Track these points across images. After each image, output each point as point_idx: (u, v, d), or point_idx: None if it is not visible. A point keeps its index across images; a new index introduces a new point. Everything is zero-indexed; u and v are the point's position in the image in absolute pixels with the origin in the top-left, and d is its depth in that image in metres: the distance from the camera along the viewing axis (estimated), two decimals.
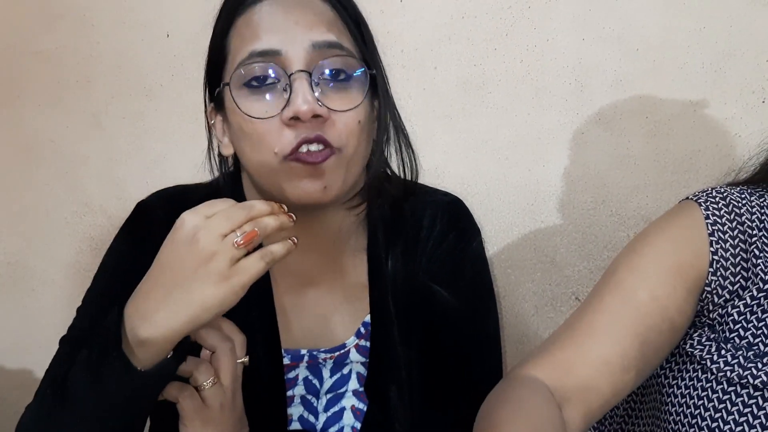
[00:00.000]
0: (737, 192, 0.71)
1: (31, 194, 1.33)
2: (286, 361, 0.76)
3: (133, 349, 0.60)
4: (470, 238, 0.81)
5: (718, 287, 0.68)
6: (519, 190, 1.16)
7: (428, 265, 0.79)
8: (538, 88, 1.11)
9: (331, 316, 0.79)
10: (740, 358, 0.65)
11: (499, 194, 1.16)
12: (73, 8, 1.24)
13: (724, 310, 0.68)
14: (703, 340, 0.69)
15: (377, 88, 0.73)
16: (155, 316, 0.59)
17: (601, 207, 1.14)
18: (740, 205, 0.70)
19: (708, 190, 0.72)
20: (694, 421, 0.67)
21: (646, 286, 0.67)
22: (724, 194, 0.71)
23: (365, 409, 0.76)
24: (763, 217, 0.70)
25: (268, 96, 0.66)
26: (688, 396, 0.68)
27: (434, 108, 1.15)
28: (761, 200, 0.71)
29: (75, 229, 1.33)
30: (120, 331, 0.61)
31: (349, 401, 0.76)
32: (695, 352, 0.69)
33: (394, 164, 0.79)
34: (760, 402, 0.63)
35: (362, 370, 0.78)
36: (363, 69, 0.69)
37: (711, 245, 0.68)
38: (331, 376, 0.77)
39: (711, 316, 0.69)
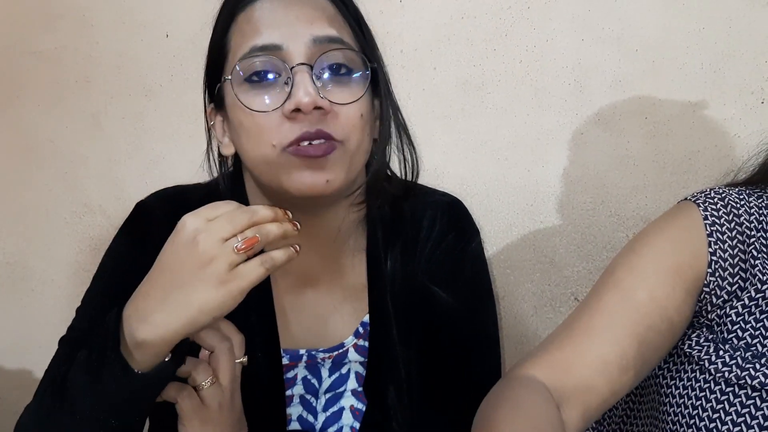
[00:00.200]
0: (736, 193, 0.71)
1: (31, 194, 1.33)
2: (284, 360, 0.76)
3: (131, 350, 0.60)
4: (469, 239, 0.81)
5: (716, 288, 0.68)
6: (518, 190, 1.16)
7: (427, 266, 0.79)
8: (538, 89, 1.11)
9: (330, 316, 0.79)
10: (738, 358, 0.65)
11: (499, 195, 1.16)
12: (73, 8, 1.24)
13: (722, 311, 0.68)
14: (702, 340, 0.69)
15: (378, 84, 0.73)
16: (153, 318, 0.59)
17: (601, 207, 1.14)
18: (739, 206, 0.70)
19: (706, 191, 0.72)
20: (692, 421, 0.67)
21: (644, 286, 0.68)
22: (723, 195, 0.71)
23: (364, 409, 0.76)
24: (761, 218, 0.70)
25: (269, 90, 0.66)
26: (686, 396, 0.68)
27: (434, 108, 1.15)
28: (759, 201, 0.71)
29: (74, 229, 1.33)
30: (118, 333, 0.61)
31: (347, 401, 0.76)
32: (693, 352, 0.69)
33: (395, 164, 0.79)
34: (758, 402, 0.63)
35: (361, 369, 0.78)
36: (364, 63, 0.69)
37: (709, 246, 0.68)
38: (329, 376, 0.77)
39: (709, 316, 0.69)
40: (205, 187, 0.81)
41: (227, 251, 0.58)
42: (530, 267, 1.18)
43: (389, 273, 0.78)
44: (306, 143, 0.65)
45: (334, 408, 0.76)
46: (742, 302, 0.67)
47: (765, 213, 0.70)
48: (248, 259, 0.60)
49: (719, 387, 0.66)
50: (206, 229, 0.59)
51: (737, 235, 0.69)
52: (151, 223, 0.75)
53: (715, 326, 0.69)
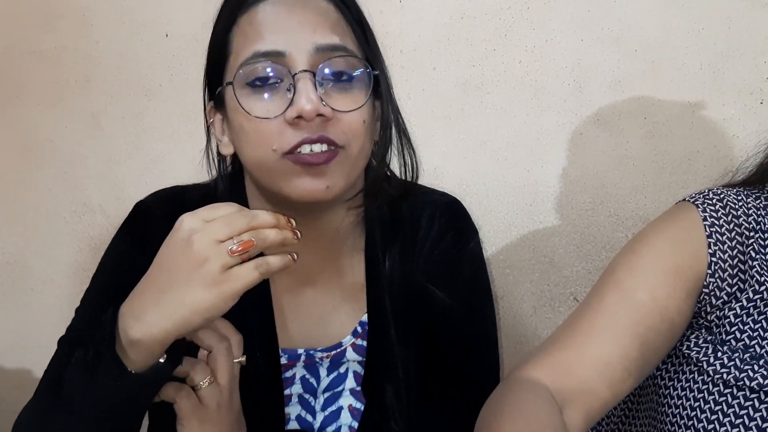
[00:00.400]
0: (734, 194, 0.72)
1: (31, 194, 1.34)
2: (283, 360, 0.76)
3: (125, 349, 0.60)
4: (468, 238, 0.81)
5: (716, 289, 0.68)
6: (518, 190, 1.16)
7: (426, 265, 0.79)
8: (537, 89, 1.12)
9: (329, 316, 0.79)
10: (737, 360, 0.65)
11: (498, 195, 1.16)
12: (73, 8, 1.24)
13: (721, 312, 0.68)
14: (700, 342, 0.69)
15: (380, 88, 0.73)
16: (146, 317, 0.59)
17: (600, 208, 1.14)
18: (737, 206, 0.70)
19: (705, 192, 0.72)
20: (690, 423, 0.67)
21: (645, 287, 0.67)
22: (721, 196, 0.71)
23: (362, 408, 0.76)
24: (759, 219, 0.70)
25: (271, 96, 0.66)
26: (684, 398, 0.68)
27: (433, 108, 1.15)
28: (757, 202, 0.71)
29: (74, 228, 1.33)
30: (114, 331, 0.61)
31: (346, 400, 0.77)
32: (692, 353, 0.69)
33: (394, 164, 0.79)
34: (756, 404, 0.64)
35: (359, 369, 0.78)
36: (366, 70, 0.69)
37: (709, 247, 0.68)
38: (328, 375, 0.78)
39: (708, 318, 0.69)
40: (204, 187, 0.81)
41: (221, 253, 0.58)
42: (529, 267, 1.18)
43: (387, 273, 0.78)
44: (307, 149, 0.65)
45: (333, 407, 0.77)
46: (741, 303, 0.67)
47: (762, 213, 0.70)
48: (244, 262, 0.60)
49: (717, 388, 0.66)
50: (202, 230, 0.59)
51: (736, 236, 0.69)
52: (150, 223, 0.75)
53: (714, 327, 0.69)
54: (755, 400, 0.64)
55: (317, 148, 0.66)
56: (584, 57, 1.09)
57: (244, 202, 0.77)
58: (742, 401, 0.64)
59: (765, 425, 0.63)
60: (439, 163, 1.16)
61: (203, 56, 0.75)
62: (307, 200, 0.67)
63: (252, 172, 0.71)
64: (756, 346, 0.66)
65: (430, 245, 0.79)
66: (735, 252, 0.68)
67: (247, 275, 0.59)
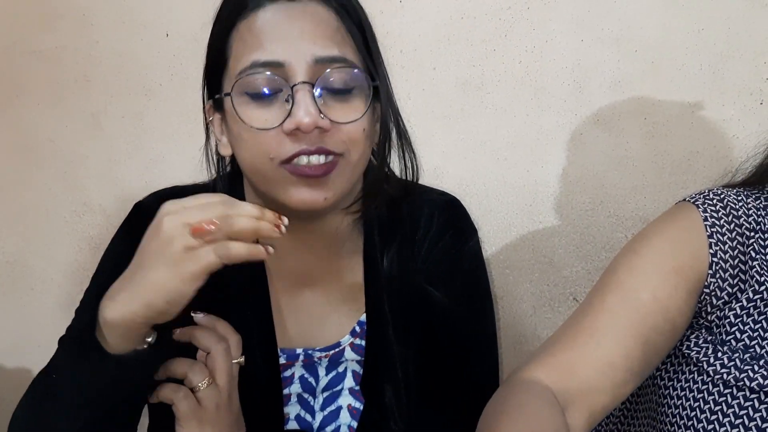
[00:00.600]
0: (734, 194, 0.72)
1: (31, 194, 1.33)
2: (281, 360, 0.76)
3: (104, 332, 0.61)
4: (467, 238, 0.81)
5: (716, 289, 0.68)
6: (517, 190, 1.16)
7: (425, 265, 0.79)
8: (537, 89, 1.12)
9: (327, 316, 0.79)
10: (737, 360, 0.65)
11: (498, 195, 1.17)
12: (73, 8, 1.24)
13: (721, 312, 0.68)
14: (700, 342, 0.69)
15: (380, 94, 0.73)
16: (118, 297, 0.60)
17: (600, 208, 1.14)
18: (737, 207, 0.70)
19: (705, 192, 0.72)
20: (690, 423, 0.67)
21: (647, 287, 0.67)
22: (721, 196, 0.71)
23: (361, 408, 0.76)
24: (759, 219, 0.70)
25: (269, 106, 0.66)
26: (684, 398, 0.68)
27: (433, 109, 1.15)
28: (757, 202, 0.71)
29: (74, 228, 1.33)
30: (96, 315, 0.61)
31: (345, 400, 0.77)
32: (692, 354, 0.69)
33: (394, 163, 0.79)
34: (756, 405, 0.64)
35: (358, 368, 0.78)
36: (367, 80, 0.69)
37: (710, 247, 0.68)
38: (326, 374, 0.78)
39: (709, 318, 0.69)
40: (203, 187, 0.81)
41: (186, 234, 0.58)
42: (529, 267, 1.18)
43: (386, 273, 0.78)
44: (305, 160, 0.65)
45: (332, 407, 0.77)
46: (741, 303, 0.67)
47: (762, 214, 0.70)
48: None
49: (717, 388, 0.66)
50: (175, 213, 0.59)
51: (737, 236, 0.69)
52: (149, 223, 0.75)
53: (714, 327, 0.69)
54: (755, 400, 0.64)
55: (315, 159, 0.65)
56: (584, 57, 1.09)
57: (240, 196, 0.77)
58: (742, 401, 0.64)
59: (765, 425, 0.63)
60: (439, 163, 1.16)
61: (203, 56, 0.75)
62: (303, 210, 0.68)
63: (249, 177, 0.71)
64: (756, 346, 0.66)
65: (429, 244, 0.79)
66: (735, 252, 0.68)
67: (205, 257, 0.58)
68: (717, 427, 0.65)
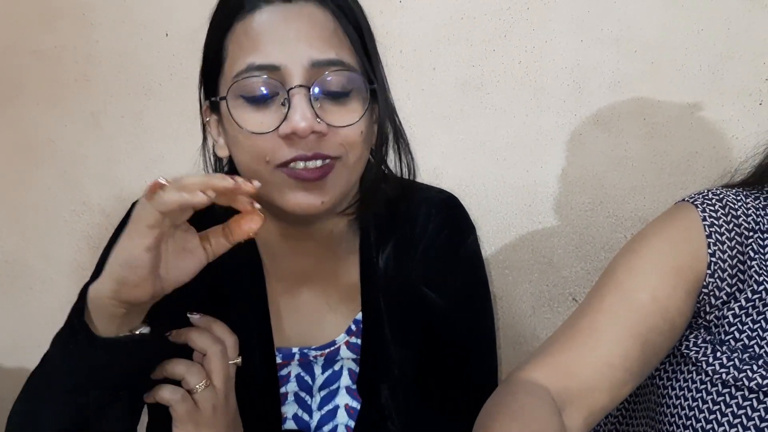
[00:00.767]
0: (733, 194, 0.72)
1: (30, 193, 1.34)
2: (278, 359, 0.77)
3: (92, 316, 0.61)
4: (465, 235, 0.81)
5: (715, 289, 0.68)
6: (517, 191, 1.16)
7: (423, 263, 0.79)
8: (537, 90, 1.12)
9: (324, 316, 0.79)
10: (735, 360, 0.65)
11: (497, 195, 1.17)
12: (73, 7, 1.24)
13: (720, 312, 0.68)
14: (699, 341, 0.69)
15: (378, 96, 0.72)
16: (101, 277, 0.60)
17: (599, 208, 1.14)
18: (736, 207, 0.70)
19: (704, 192, 0.73)
20: (688, 422, 0.67)
21: (646, 287, 0.67)
22: (721, 196, 0.71)
23: (359, 407, 0.76)
24: (758, 219, 0.70)
25: (265, 109, 0.66)
26: (683, 397, 0.68)
27: (433, 109, 1.15)
28: (756, 202, 0.71)
29: (73, 228, 1.33)
30: (86, 301, 0.62)
31: (342, 399, 0.76)
32: (691, 353, 0.69)
33: (391, 163, 0.79)
34: (755, 404, 0.64)
35: (354, 366, 0.78)
36: (364, 83, 0.68)
37: (709, 247, 0.68)
38: (323, 373, 0.77)
39: (707, 318, 0.69)
40: None
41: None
42: (528, 267, 1.18)
43: (382, 272, 0.78)
44: (301, 165, 0.65)
45: (329, 406, 0.77)
46: (739, 303, 0.67)
47: (761, 214, 0.70)
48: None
49: (716, 388, 0.66)
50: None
51: (735, 236, 0.69)
52: None
53: (713, 327, 0.69)
54: (754, 400, 0.64)
55: (312, 164, 0.65)
56: (584, 58, 1.09)
57: None
58: (741, 401, 0.64)
59: (763, 425, 0.63)
60: (439, 164, 1.16)
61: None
62: (301, 214, 0.68)
63: (246, 179, 0.71)
64: (755, 346, 0.66)
65: (426, 243, 0.79)
66: (734, 252, 0.68)
67: (144, 208, 0.57)
68: (715, 426, 0.65)
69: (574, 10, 1.08)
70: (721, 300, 0.68)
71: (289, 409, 0.76)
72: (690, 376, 0.69)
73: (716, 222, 0.69)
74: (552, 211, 1.15)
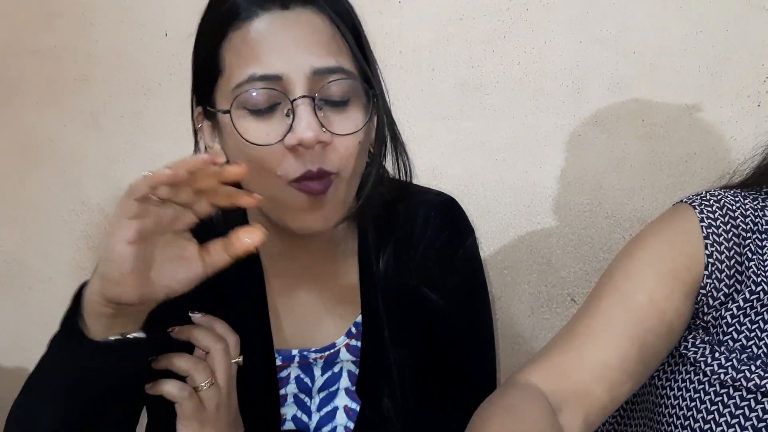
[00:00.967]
0: (731, 195, 0.72)
1: (29, 193, 1.34)
2: (277, 361, 0.76)
3: (85, 318, 0.61)
4: (464, 237, 0.81)
5: (713, 290, 0.68)
6: (515, 191, 1.16)
7: (421, 265, 0.79)
8: (536, 90, 1.12)
9: (323, 317, 0.79)
10: (734, 360, 0.66)
11: (496, 196, 1.17)
12: (72, 7, 1.24)
13: (718, 313, 0.68)
14: (698, 342, 0.69)
15: (377, 102, 0.72)
16: (92, 278, 0.60)
17: (597, 209, 1.14)
18: (734, 208, 0.70)
19: (702, 193, 0.73)
20: (687, 423, 0.67)
21: (643, 289, 0.67)
22: (719, 197, 0.71)
23: (358, 408, 0.76)
24: (756, 220, 0.70)
25: (269, 121, 0.65)
26: (681, 398, 0.68)
27: (432, 109, 1.15)
28: (755, 203, 0.71)
29: (73, 227, 1.33)
30: (80, 302, 0.62)
31: (341, 401, 0.77)
32: (689, 354, 0.69)
33: (388, 165, 0.79)
34: (753, 404, 0.64)
35: (353, 369, 0.78)
36: (365, 90, 0.68)
37: (706, 248, 0.68)
38: (322, 375, 0.78)
39: (705, 318, 0.69)
40: None
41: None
42: (527, 268, 1.19)
43: (381, 274, 0.78)
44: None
45: (328, 408, 0.77)
46: (737, 304, 0.68)
47: (760, 215, 0.70)
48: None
49: (714, 389, 0.66)
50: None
51: (733, 237, 0.69)
52: None
53: (711, 328, 0.69)
54: (752, 400, 0.64)
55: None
56: (583, 59, 1.09)
57: (241, 213, 0.76)
58: (739, 402, 0.64)
59: (761, 426, 0.63)
60: (438, 164, 1.16)
61: None
62: (306, 233, 0.68)
63: (245, 187, 0.69)
64: (753, 346, 0.66)
65: (425, 245, 0.79)
66: (732, 253, 0.68)
67: (122, 200, 0.58)
68: (714, 427, 0.65)
69: (573, 11, 1.08)
70: (719, 301, 0.68)
71: (289, 410, 0.76)
72: (688, 376, 0.69)
73: (714, 223, 0.69)
74: (551, 211, 1.16)
